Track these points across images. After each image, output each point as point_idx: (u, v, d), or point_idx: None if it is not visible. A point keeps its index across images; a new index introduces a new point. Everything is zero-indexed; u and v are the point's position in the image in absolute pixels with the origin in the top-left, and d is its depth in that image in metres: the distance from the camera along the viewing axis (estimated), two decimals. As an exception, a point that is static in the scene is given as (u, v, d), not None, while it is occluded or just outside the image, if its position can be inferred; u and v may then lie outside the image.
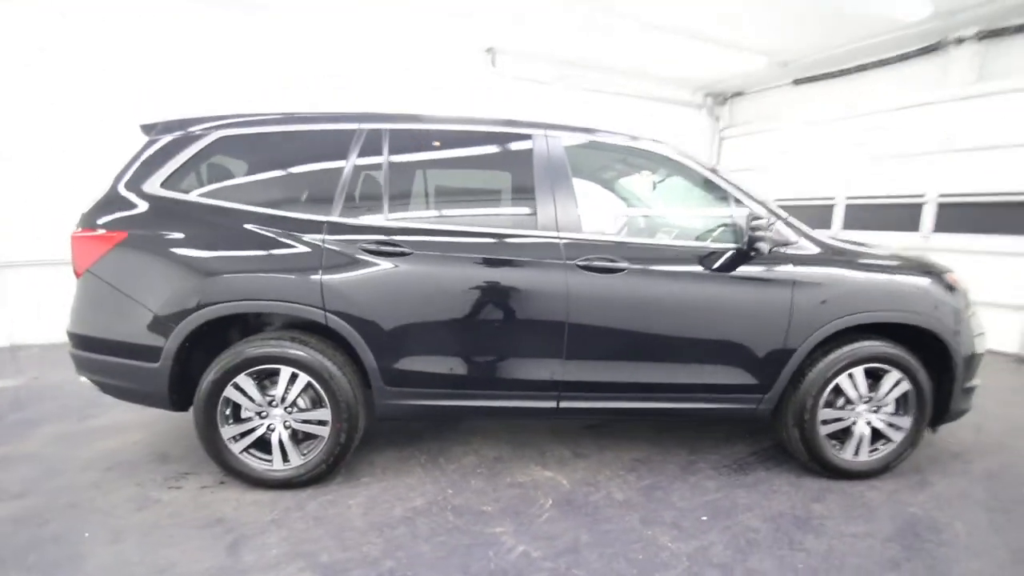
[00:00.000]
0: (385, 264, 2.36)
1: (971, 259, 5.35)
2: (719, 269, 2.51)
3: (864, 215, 6.67)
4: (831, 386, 2.56)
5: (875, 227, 6.42)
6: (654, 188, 3.44)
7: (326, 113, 2.56)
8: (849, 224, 6.79)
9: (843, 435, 2.64)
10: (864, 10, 5.28)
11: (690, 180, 2.81)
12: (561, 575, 1.92)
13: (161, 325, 2.29)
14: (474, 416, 2.79)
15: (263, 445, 2.43)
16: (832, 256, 2.61)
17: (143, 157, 2.45)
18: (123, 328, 2.33)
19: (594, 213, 2.95)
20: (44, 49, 4.77)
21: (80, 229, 2.38)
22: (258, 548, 2.03)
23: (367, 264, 2.35)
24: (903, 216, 6.19)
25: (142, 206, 2.37)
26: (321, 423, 2.40)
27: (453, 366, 2.46)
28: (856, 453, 2.64)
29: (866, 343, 2.56)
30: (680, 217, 3.42)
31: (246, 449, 2.40)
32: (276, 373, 2.36)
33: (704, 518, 2.32)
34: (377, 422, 2.62)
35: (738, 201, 2.62)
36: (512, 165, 2.71)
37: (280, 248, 2.34)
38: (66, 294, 2.47)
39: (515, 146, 2.62)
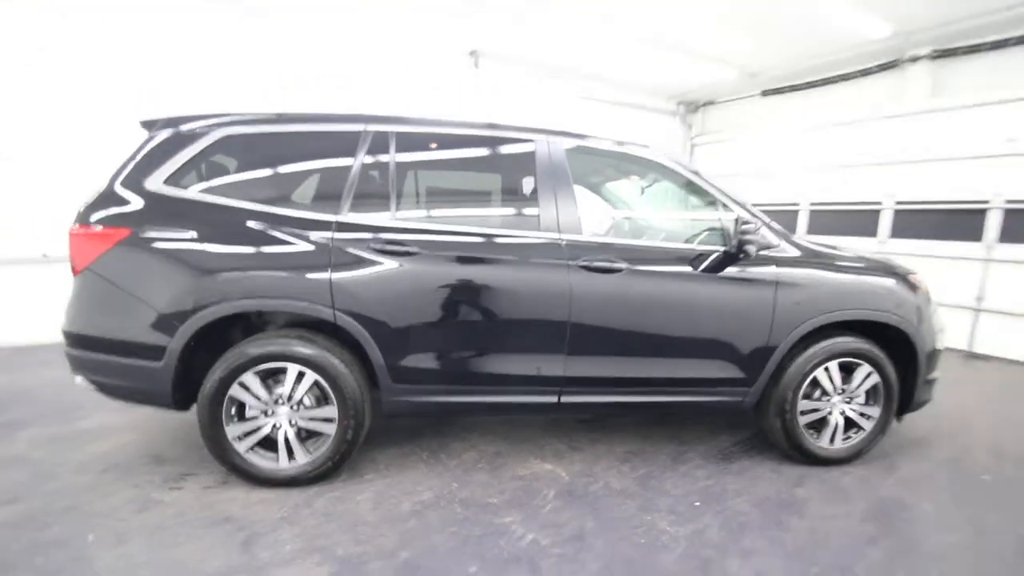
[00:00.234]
0: (393, 263, 2.40)
1: (924, 263, 5.72)
2: (708, 270, 2.66)
3: (826, 220, 7.08)
4: (809, 379, 2.76)
5: (836, 232, 6.82)
6: (642, 192, 3.60)
7: (336, 114, 2.58)
8: (812, 229, 7.19)
9: (819, 425, 2.84)
10: (829, 27, 5.62)
11: (678, 184, 2.96)
12: (571, 559, 2.02)
13: (166, 324, 2.27)
14: (478, 411, 2.86)
15: (268, 443, 2.43)
16: (810, 258, 2.80)
17: (143, 153, 2.41)
18: (125, 327, 2.29)
19: (590, 215, 3.07)
20: (44, 49, 4.68)
21: (78, 226, 2.31)
22: (272, 544, 2.04)
23: (375, 263, 2.39)
24: (862, 222, 6.61)
25: (143, 203, 2.34)
26: (327, 420, 2.42)
27: (458, 363, 2.52)
28: (831, 441, 2.85)
29: (840, 339, 2.76)
30: (670, 220, 3.58)
31: (251, 448, 2.40)
32: (281, 371, 2.37)
33: (697, 504, 2.46)
34: (379, 419, 2.66)
35: (724, 206, 2.78)
36: (515, 168, 2.80)
37: (289, 247, 2.35)
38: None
39: (518, 149, 2.71)
